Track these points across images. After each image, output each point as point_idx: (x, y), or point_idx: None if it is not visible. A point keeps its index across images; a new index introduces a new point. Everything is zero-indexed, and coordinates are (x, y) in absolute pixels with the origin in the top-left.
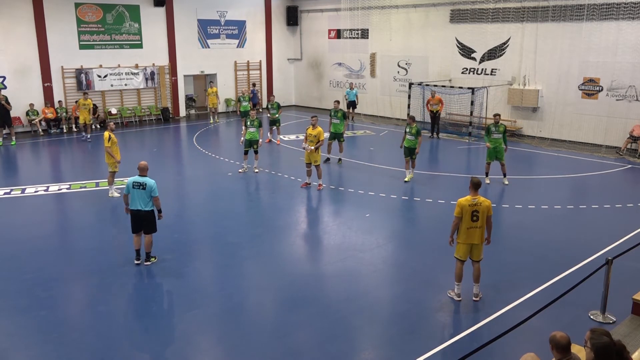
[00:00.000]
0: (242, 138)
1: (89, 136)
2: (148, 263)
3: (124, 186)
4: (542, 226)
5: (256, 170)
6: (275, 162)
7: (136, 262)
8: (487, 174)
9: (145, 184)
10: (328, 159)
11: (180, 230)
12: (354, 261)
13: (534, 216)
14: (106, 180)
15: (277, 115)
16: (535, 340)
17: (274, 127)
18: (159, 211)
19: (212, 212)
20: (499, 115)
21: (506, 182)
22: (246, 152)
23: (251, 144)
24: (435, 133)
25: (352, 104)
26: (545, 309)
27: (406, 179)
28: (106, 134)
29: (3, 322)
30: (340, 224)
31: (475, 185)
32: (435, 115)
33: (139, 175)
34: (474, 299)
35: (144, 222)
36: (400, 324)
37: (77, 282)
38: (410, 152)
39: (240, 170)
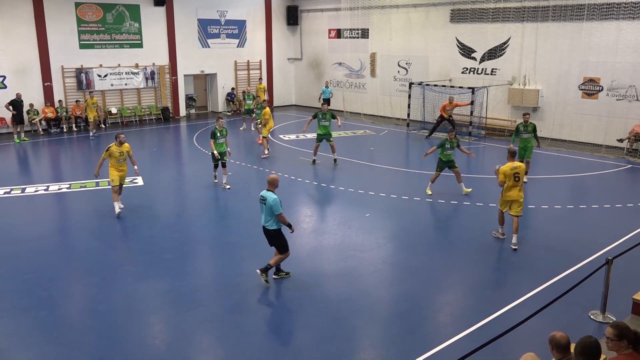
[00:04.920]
0: (215, 152)
1: (94, 132)
2: (276, 276)
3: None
4: (542, 226)
5: (228, 187)
6: (275, 161)
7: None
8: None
9: (266, 199)
10: (314, 161)
11: (180, 230)
12: (354, 261)
13: (534, 216)
14: (106, 180)
15: (252, 107)
16: (535, 340)
17: (249, 117)
18: (289, 226)
19: (212, 211)
20: (529, 114)
21: (525, 180)
22: (216, 166)
23: (222, 155)
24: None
25: (327, 102)
26: (545, 309)
27: (465, 191)
28: (109, 145)
29: (3, 322)
30: (340, 224)
31: (512, 154)
32: (449, 119)
33: (267, 190)
34: (512, 247)
35: (271, 239)
36: (400, 324)
37: (77, 282)
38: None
39: (215, 181)
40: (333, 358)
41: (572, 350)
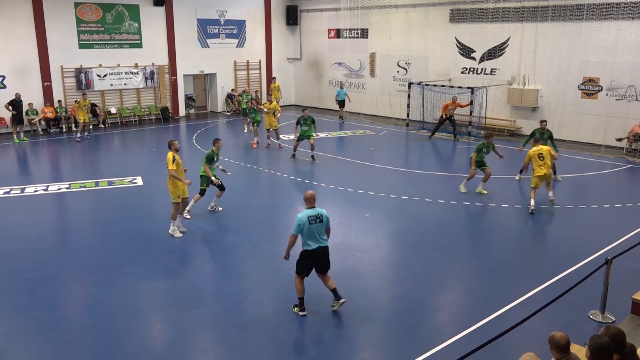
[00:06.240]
0: (213, 178)
1: (86, 134)
2: (344, 300)
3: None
4: (542, 226)
5: (220, 209)
6: (274, 161)
7: (301, 313)
8: (521, 171)
9: (322, 215)
10: (294, 155)
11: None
12: (354, 261)
13: (533, 216)
14: (106, 180)
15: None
16: (535, 340)
17: (248, 117)
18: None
19: (212, 211)
20: (546, 121)
21: (559, 179)
22: (203, 192)
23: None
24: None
25: (342, 103)
26: (545, 309)
27: (480, 190)
28: (170, 154)
29: (3, 322)
30: (340, 224)
31: (537, 140)
32: (450, 119)
33: (309, 208)
34: (551, 198)
35: (324, 259)
36: (400, 324)
37: (77, 282)
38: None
39: (215, 206)
40: (333, 358)
41: (586, 350)
